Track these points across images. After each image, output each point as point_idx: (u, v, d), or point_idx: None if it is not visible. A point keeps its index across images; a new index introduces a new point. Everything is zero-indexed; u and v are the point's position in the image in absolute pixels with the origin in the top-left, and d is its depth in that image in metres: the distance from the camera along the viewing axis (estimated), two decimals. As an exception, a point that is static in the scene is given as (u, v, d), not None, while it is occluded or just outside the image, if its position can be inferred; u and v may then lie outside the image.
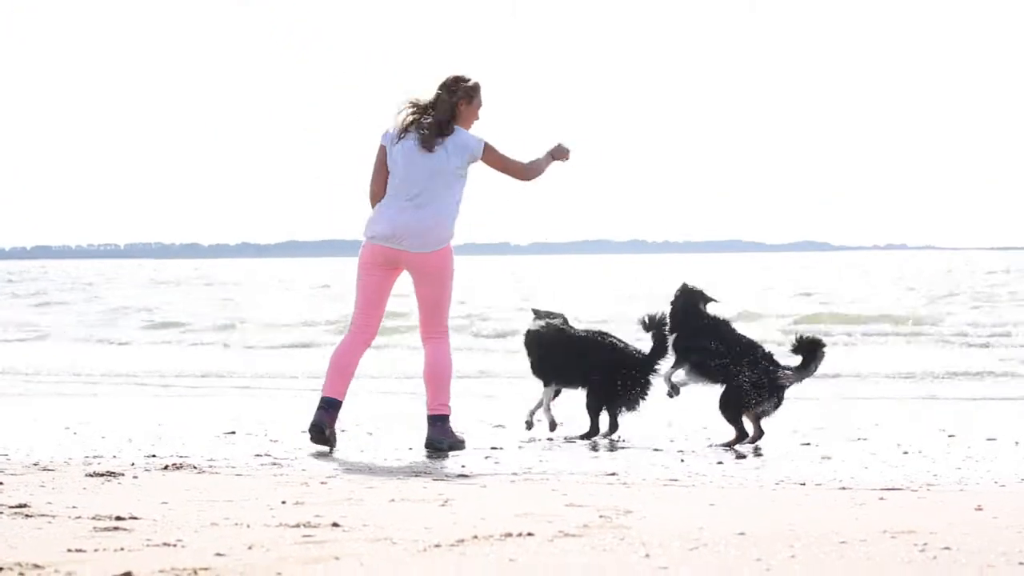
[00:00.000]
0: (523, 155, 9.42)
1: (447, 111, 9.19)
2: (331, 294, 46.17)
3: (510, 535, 5.52)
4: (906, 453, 9.16)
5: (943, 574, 4.85)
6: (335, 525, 5.82)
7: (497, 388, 15.52)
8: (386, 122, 9.31)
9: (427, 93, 9.28)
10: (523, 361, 10.81)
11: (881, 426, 10.81)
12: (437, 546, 5.28)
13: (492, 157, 9.24)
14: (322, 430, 9.18)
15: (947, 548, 5.28)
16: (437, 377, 9.24)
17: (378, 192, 9.31)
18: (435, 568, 4.86)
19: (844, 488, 7.51)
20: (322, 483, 7.56)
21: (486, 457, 8.99)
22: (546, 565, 4.93)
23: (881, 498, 6.99)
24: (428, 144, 9.10)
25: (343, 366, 9.31)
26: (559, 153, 9.54)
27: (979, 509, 6.47)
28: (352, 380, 9.37)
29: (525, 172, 9.40)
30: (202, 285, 60.26)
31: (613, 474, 8.12)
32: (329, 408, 9.24)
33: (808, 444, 9.70)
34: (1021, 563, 5.01)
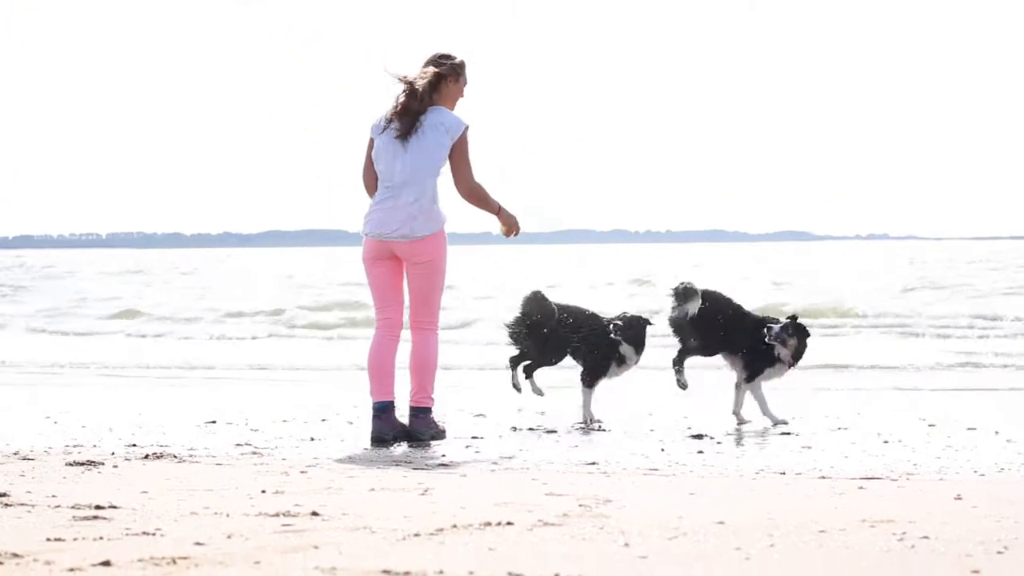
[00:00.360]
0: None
1: (429, 90, 9.11)
2: (296, 283, 45.96)
3: (489, 524, 5.52)
4: (886, 442, 9.18)
5: (922, 563, 4.86)
6: (314, 514, 5.81)
7: (469, 378, 15.51)
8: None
9: (414, 69, 9.21)
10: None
11: (862, 416, 10.84)
12: (416, 535, 5.28)
13: (461, 148, 9.13)
14: (383, 439, 9.08)
15: (926, 537, 5.29)
16: (423, 368, 9.21)
17: (371, 184, 9.27)
18: (414, 557, 4.86)
19: (824, 477, 7.52)
20: (302, 472, 7.55)
21: (466, 446, 8.98)
22: (525, 554, 4.93)
23: (860, 487, 7.01)
24: (405, 133, 9.06)
25: (379, 366, 9.18)
26: (509, 222, 9.41)
27: (958, 498, 6.48)
28: (394, 376, 9.26)
29: (471, 189, 9.19)
30: (177, 274, 60.05)
31: (593, 463, 8.13)
32: (382, 414, 9.14)
33: (788, 434, 9.72)
34: (999, 552, 5.02)
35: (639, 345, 10.36)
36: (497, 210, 9.29)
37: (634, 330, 10.35)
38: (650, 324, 10.46)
